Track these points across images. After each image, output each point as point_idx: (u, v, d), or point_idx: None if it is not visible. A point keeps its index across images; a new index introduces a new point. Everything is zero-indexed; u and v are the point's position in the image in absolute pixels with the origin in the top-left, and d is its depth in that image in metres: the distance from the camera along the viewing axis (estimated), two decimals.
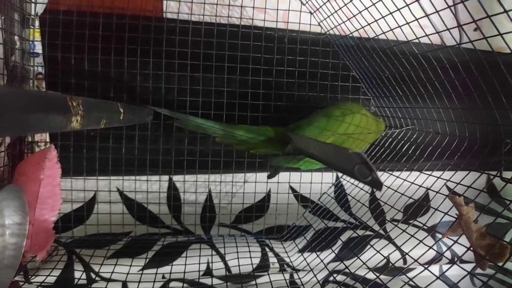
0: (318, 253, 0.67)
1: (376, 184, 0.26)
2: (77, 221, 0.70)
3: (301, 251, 0.69)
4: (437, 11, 0.43)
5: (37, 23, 0.66)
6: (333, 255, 0.68)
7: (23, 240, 0.53)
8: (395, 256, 0.68)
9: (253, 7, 0.72)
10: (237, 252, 0.67)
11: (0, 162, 0.60)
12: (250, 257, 0.66)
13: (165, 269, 0.63)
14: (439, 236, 0.54)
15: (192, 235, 0.74)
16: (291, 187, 0.77)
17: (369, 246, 0.61)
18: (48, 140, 0.69)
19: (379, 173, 0.27)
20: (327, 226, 0.72)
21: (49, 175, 0.59)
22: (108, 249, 0.66)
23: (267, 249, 0.70)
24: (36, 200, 0.56)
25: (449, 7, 0.42)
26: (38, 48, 0.66)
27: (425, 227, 0.51)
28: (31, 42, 0.66)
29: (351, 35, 0.64)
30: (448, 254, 0.72)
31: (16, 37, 0.62)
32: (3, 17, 0.58)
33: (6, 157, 0.62)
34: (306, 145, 0.49)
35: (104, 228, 0.71)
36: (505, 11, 0.35)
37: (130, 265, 0.62)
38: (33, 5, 0.65)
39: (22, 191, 0.52)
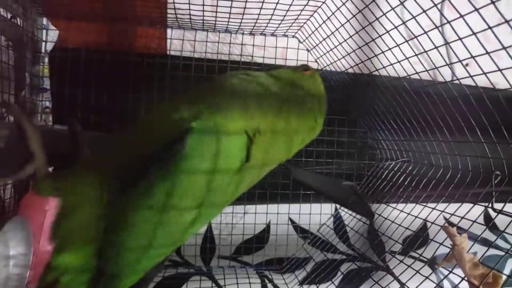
0: (318, 285, 0.67)
1: (368, 214, 0.28)
2: None
3: (301, 283, 0.69)
4: (425, 51, 0.46)
5: (46, 60, 0.69)
6: (333, 286, 0.68)
7: (27, 271, 0.53)
8: None
9: (253, 45, 0.75)
10: (237, 283, 0.67)
11: (5, 194, 0.61)
12: None
13: None
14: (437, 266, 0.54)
15: (192, 267, 0.74)
16: (290, 219, 0.78)
17: (369, 278, 0.62)
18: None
19: (375, 205, 0.29)
20: (327, 257, 0.73)
21: (54, 206, 0.60)
22: None
23: (267, 281, 0.70)
24: (40, 231, 0.56)
25: (444, 44, 0.44)
26: (47, 83, 0.69)
27: (423, 258, 0.52)
28: (40, 78, 0.69)
29: (346, 71, 0.67)
30: (448, 285, 0.72)
31: (26, 74, 0.65)
32: (16, 55, 0.61)
33: (12, 189, 0.63)
34: (304, 176, 0.50)
35: None
36: (504, 47, 0.38)
37: None
38: (43, 43, 0.68)
39: (27, 222, 0.53)
